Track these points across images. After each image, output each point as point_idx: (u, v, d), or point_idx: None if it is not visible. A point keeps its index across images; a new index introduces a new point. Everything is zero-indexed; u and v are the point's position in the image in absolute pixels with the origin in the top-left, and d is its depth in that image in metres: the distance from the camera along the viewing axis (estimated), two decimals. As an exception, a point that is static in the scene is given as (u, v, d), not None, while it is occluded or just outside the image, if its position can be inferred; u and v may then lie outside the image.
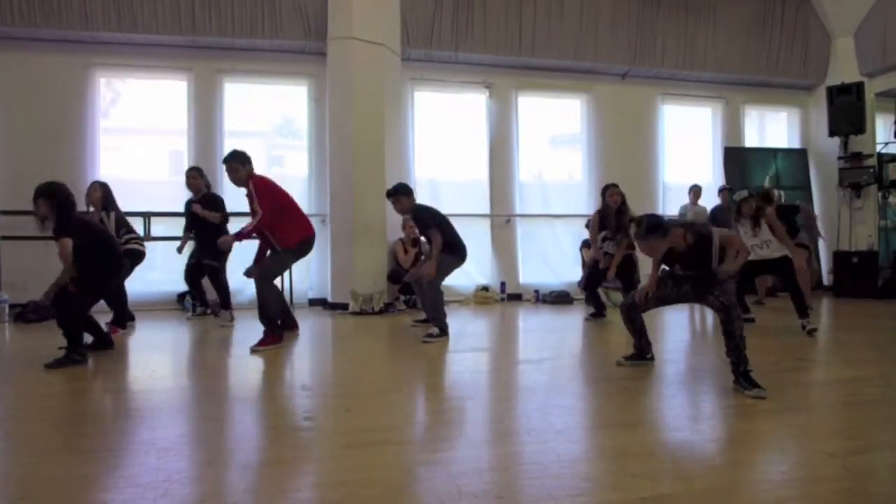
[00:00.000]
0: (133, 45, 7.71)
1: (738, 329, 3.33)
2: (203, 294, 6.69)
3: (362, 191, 7.50)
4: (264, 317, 4.93)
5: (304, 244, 5.11)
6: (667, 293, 3.80)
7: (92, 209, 5.84)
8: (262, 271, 5.00)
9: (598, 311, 6.60)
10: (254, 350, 4.74)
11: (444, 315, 5.33)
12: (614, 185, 6.43)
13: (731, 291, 3.46)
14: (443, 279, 5.45)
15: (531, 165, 9.33)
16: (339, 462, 2.28)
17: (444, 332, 5.28)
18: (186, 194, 6.53)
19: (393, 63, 7.98)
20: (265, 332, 4.91)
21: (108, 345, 4.72)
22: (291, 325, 5.59)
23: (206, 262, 6.29)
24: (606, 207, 6.37)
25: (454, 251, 5.47)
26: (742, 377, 3.28)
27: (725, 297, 3.40)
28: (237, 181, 4.97)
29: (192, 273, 6.48)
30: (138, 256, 5.82)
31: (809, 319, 5.42)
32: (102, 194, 5.82)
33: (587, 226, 6.59)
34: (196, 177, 6.36)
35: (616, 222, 6.28)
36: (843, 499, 1.91)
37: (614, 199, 6.32)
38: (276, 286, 5.11)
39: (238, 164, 4.92)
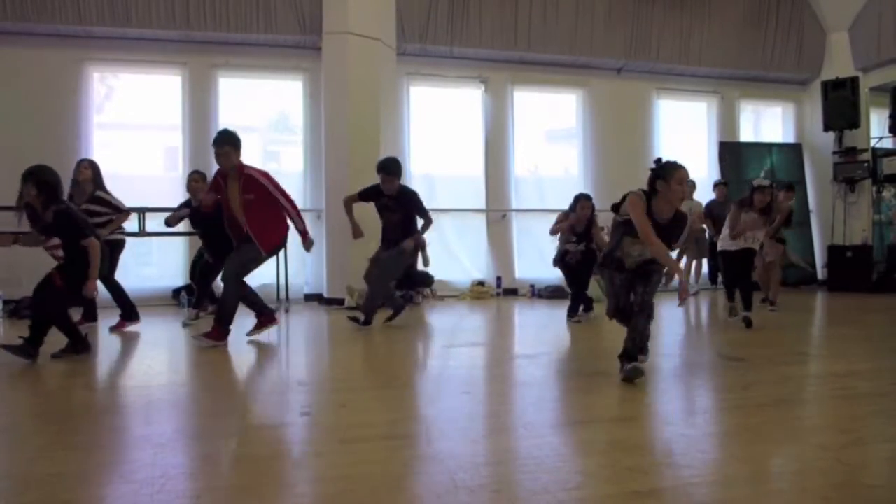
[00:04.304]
0: (127, 40, 7.66)
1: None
2: (213, 294, 6.57)
3: (358, 186, 7.43)
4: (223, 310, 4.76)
5: (278, 248, 4.97)
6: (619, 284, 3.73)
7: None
8: (234, 268, 4.75)
9: (585, 306, 6.24)
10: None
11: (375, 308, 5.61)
12: (587, 198, 6.16)
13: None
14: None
15: (527, 160, 9.33)
16: (335, 457, 2.28)
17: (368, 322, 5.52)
18: (182, 190, 6.47)
19: (388, 58, 7.95)
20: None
21: (85, 348, 4.24)
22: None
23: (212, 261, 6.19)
24: (577, 218, 6.06)
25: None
26: (628, 358, 3.41)
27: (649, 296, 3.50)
28: (228, 165, 4.69)
29: (204, 272, 6.38)
30: (119, 246, 5.72)
31: (751, 313, 5.41)
32: (93, 173, 5.65)
33: (554, 230, 6.26)
34: (199, 180, 6.09)
35: (585, 232, 6.06)
36: (836, 492, 1.93)
37: (585, 213, 6.04)
38: (247, 283, 4.89)
39: (232, 148, 4.67)
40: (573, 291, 6.28)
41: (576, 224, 6.06)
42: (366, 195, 5.77)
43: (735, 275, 5.79)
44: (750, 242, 5.65)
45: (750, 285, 5.75)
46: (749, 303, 5.52)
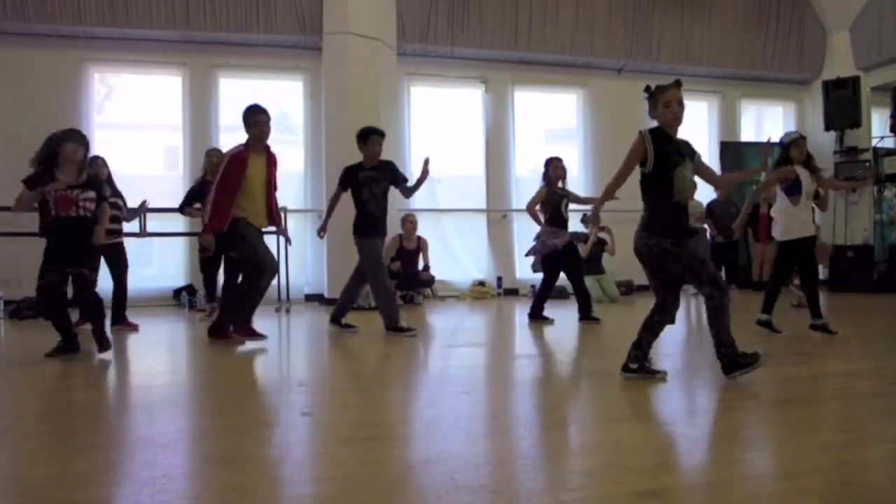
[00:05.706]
0: (127, 40, 7.68)
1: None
2: (215, 288, 6.54)
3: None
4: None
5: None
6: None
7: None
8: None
9: (585, 312, 5.83)
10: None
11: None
12: (557, 159, 6.04)
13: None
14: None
15: (527, 160, 9.33)
16: (336, 457, 2.28)
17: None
18: (181, 190, 6.47)
19: (389, 58, 7.96)
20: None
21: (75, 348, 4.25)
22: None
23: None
24: (549, 181, 5.92)
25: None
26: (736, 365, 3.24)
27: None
28: (268, 136, 4.85)
29: (207, 265, 6.34)
30: (122, 249, 5.80)
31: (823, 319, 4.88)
32: (108, 171, 5.72)
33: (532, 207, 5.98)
34: (217, 154, 6.09)
35: (566, 192, 5.91)
36: (836, 491, 1.92)
37: (557, 174, 5.90)
38: None
39: (269, 119, 4.83)
40: (575, 291, 5.99)
41: (553, 182, 5.86)
42: (344, 181, 5.32)
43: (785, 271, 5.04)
44: (806, 227, 4.81)
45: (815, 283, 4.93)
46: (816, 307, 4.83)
